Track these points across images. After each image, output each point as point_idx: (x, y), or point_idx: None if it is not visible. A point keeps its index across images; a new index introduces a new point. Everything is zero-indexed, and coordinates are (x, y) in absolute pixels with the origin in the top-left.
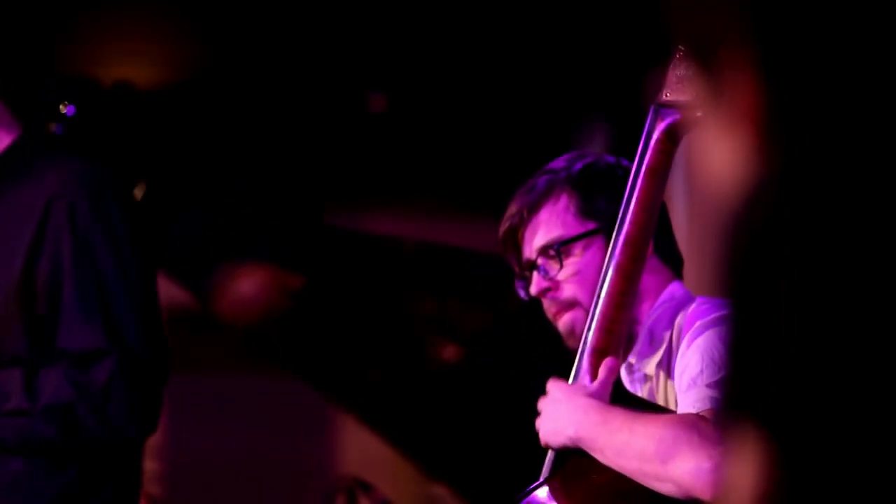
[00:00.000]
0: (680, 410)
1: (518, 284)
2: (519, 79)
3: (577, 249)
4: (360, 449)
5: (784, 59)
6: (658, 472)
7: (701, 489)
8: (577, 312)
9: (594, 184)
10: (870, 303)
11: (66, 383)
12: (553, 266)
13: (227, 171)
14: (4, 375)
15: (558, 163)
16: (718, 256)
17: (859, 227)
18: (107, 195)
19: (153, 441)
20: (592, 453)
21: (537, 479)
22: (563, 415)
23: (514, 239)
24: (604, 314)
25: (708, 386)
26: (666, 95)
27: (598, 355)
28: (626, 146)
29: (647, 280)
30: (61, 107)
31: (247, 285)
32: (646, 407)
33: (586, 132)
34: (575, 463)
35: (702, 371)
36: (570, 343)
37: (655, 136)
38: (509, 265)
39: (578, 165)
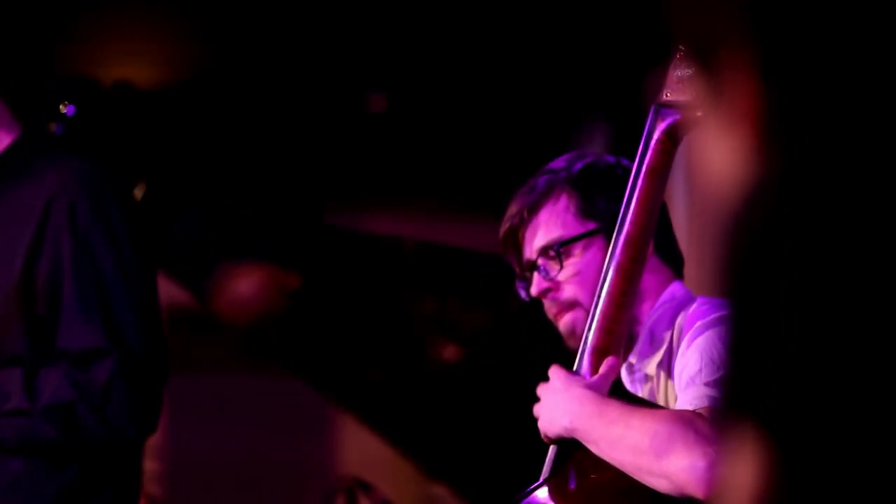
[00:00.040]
0: (677, 408)
1: (519, 285)
2: (519, 79)
3: (578, 250)
4: (360, 449)
5: (784, 60)
6: (652, 467)
7: (695, 487)
8: (578, 313)
9: (594, 184)
10: (870, 303)
11: (66, 383)
12: (553, 266)
13: (227, 171)
14: (4, 375)
15: (558, 163)
16: (718, 256)
17: (859, 227)
18: (107, 195)
19: (153, 441)
20: (587, 445)
21: (537, 479)
22: (559, 404)
23: (515, 239)
24: (604, 314)
25: (706, 384)
26: (666, 95)
27: (598, 355)
28: (626, 146)
29: (648, 280)
30: (61, 107)
31: (246, 285)
32: (645, 406)
33: (586, 132)
34: (575, 463)
35: (700, 370)
36: (570, 343)
37: (656, 136)
38: (510, 265)
39: (578, 165)
